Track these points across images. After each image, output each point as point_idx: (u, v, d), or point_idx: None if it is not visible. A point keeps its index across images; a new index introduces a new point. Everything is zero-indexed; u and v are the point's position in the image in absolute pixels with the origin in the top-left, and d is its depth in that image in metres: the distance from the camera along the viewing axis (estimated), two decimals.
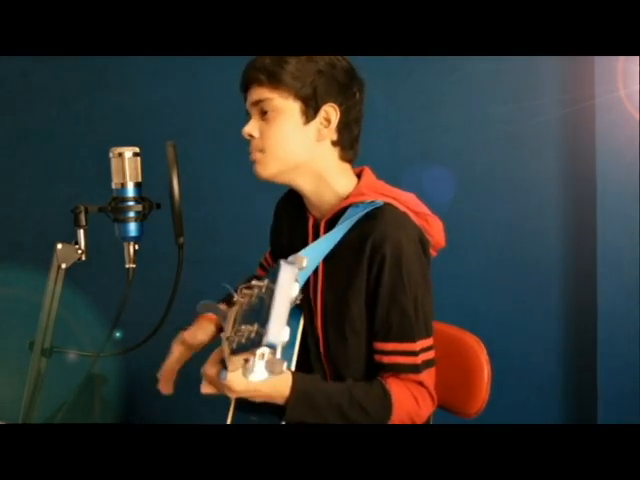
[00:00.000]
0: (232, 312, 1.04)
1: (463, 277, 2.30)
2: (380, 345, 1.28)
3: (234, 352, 0.97)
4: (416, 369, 1.26)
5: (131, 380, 2.48)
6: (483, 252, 2.32)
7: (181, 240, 1.22)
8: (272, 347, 0.89)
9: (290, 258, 0.94)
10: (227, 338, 0.99)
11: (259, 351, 0.91)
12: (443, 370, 1.33)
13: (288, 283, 0.91)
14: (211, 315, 1.38)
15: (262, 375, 0.92)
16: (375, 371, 1.29)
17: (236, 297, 1.03)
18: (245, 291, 1.01)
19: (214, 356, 1.17)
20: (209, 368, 1.16)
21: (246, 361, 0.97)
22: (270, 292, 0.91)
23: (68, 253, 1.20)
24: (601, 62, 2.10)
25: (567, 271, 2.28)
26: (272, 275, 0.94)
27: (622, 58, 2.07)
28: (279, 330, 0.88)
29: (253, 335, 0.91)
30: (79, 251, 1.20)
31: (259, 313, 0.92)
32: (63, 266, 1.20)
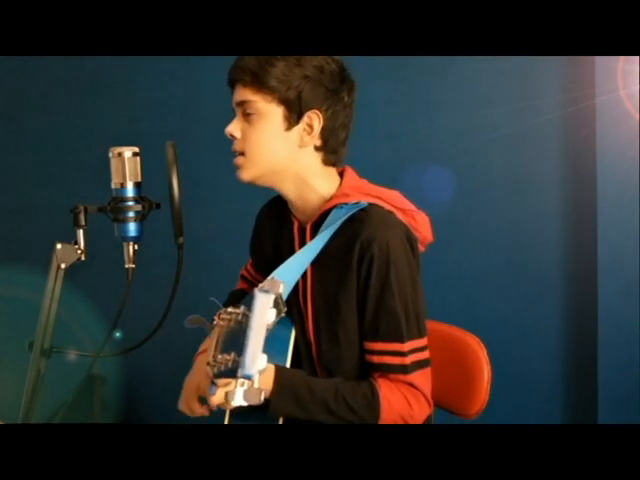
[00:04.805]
0: (214, 335, 1.05)
1: (463, 277, 2.30)
2: (369, 345, 1.27)
3: (216, 376, 0.99)
4: (404, 370, 1.25)
5: (131, 380, 2.48)
6: (483, 252, 2.32)
7: (181, 240, 1.22)
8: (248, 378, 0.90)
9: (265, 284, 0.94)
10: (208, 364, 1.01)
11: (239, 380, 0.92)
12: (443, 370, 1.33)
13: (262, 312, 0.92)
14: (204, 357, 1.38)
15: (241, 402, 0.92)
16: (368, 373, 1.29)
17: (216, 320, 1.04)
18: (224, 316, 1.03)
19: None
20: (205, 386, 1.19)
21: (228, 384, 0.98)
22: (247, 320, 0.92)
23: (68, 253, 1.20)
24: (601, 62, 2.10)
25: (567, 271, 2.28)
26: (248, 302, 0.95)
27: (622, 58, 2.07)
28: (254, 361, 0.90)
29: (231, 364, 0.93)
30: (79, 251, 1.20)
31: (237, 340, 0.94)
32: (63, 266, 1.20)
